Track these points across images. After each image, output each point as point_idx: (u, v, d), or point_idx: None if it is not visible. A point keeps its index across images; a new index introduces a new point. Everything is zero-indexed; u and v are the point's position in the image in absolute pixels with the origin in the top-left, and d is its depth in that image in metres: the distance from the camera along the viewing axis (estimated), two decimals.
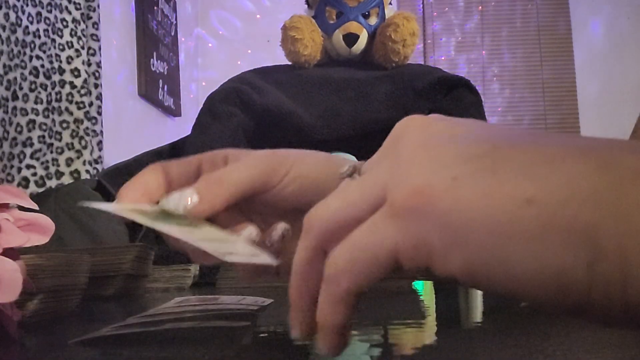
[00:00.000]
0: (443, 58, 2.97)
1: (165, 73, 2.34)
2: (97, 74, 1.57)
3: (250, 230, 0.27)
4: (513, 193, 0.15)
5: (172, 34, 2.48)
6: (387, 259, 0.18)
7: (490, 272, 0.16)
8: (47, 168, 1.35)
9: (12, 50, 1.27)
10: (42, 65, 1.36)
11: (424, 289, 0.59)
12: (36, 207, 0.36)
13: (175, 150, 1.10)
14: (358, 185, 0.20)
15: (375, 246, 0.18)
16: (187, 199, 0.26)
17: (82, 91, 1.46)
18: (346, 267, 0.18)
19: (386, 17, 1.15)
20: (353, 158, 1.11)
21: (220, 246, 0.24)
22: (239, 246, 0.26)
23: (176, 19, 2.54)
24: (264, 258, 0.25)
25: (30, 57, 1.33)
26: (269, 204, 0.29)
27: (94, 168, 1.48)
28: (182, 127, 2.51)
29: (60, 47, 1.43)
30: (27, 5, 1.32)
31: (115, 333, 0.28)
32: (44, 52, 1.37)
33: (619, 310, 0.14)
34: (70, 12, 1.47)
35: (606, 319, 0.15)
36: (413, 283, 0.60)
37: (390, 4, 1.19)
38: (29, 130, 1.30)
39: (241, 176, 0.27)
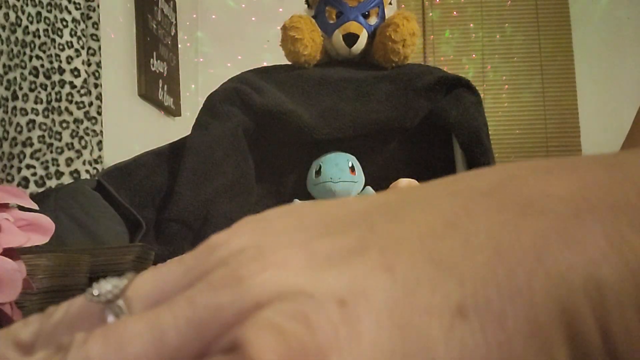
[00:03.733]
0: (442, 58, 2.98)
1: (165, 73, 2.34)
2: (97, 74, 1.57)
3: None
4: (436, 307, 0.11)
5: (172, 34, 2.47)
6: None
7: None
8: (47, 168, 1.35)
9: (12, 50, 1.27)
10: (42, 65, 1.36)
11: None
12: (36, 207, 0.36)
13: (175, 151, 1.10)
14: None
15: None
16: None
17: (82, 91, 1.46)
18: None
19: (386, 17, 1.15)
20: (353, 158, 1.11)
21: None
22: None
23: (176, 19, 2.54)
24: None
25: (30, 57, 1.33)
26: None
27: (94, 168, 1.48)
28: (182, 127, 2.51)
29: (60, 47, 1.43)
30: (27, 5, 1.32)
31: None
32: (44, 52, 1.37)
33: None
34: (70, 12, 1.47)
35: None
36: None
37: (390, 3, 1.19)
38: (29, 130, 1.30)
39: None
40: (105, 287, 0.14)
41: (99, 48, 1.59)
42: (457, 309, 0.11)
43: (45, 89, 1.36)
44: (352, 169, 1.06)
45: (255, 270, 0.12)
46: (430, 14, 2.98)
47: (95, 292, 0.14)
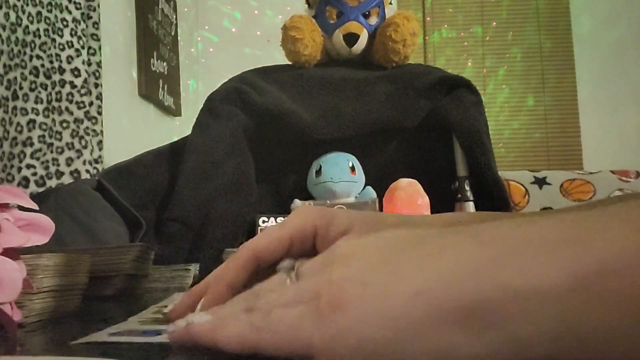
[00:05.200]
0: (442, 58, 2.97)
1: (165, 73, 2.34)
2: (97, 74, 1.57)
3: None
4: (405, 288, 0.18)
5: (172, 34, 2.47)
6: (302, 349, 0.20)
7: None
8: (47, 168, 1.35)
9: (12, 49, 1.27)
10: (42, 65, 1.36)
11: None
12: (36, 207, 0.36)
13: (175, 151, 1.10)
14: (295, 287, 0.23)
15: (294, 336, 0.20)
16: None
17: (82, 91, 1.46)
18: (260, 340, 0.21)
19: (386, 16, 1.15)
20: (353, 158, 1.11)
21: None
22: None
23: (176, 19, 2.54)
24: None
25: (31, 57, 1.33)
26: None
27: (94, 168, 1.48)
28: (182, 127, 2.51)
29: (61, 46, 1.43)
30: (27, 4, 1.32)
31: (119, 341, 0.28)
32: (44, 51, 1.37)
33: None
34: (70, 12, 1.47)
35: None
36: None
37: (391, 3, 1.19)
38: (29, 130, 1.30)
39: None
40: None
41: (99, 48, 1.59)
42: (416, 292, 0.18)
43: (46, 89, 1.36)
44: (353, 168, 1.06)
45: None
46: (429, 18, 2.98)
47: (281, 265, 0.28)
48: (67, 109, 1.44)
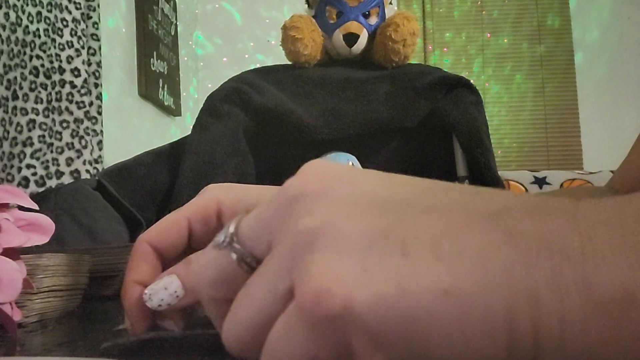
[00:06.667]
0: (441, 56, 2.98)
1: (165, 73, 2.34)
2: (97, 74, 1.57)
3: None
4: (429, 284, 0.14)
5: (172, 34, 2.47)
6: None
7: None
8: (47, 168, 1.35)
9: (12, 49, 1.27)
10: (42, 65, 1.36)
11: None
12: (36, 207, 0.36)
13: (175, 150, 1.10)
14: (261, 282, 0.17)
15: (296, 358, 0.16)
16: (173, 295, 0.25)
17: (82, 91, 1.46)
18: None
19: (386, 16, 1.15)
20: (354, 158, 1.11)
21: None
22: None
23: (176, 19, 2.54)
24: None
25: (31, 57, 1.33)
26: None
27: (94, 168, 1.48)
28: (182, 127, 2.51)
29: (61, 46, 1.43)
30: (27, 4, 1.32)
31: (148, 338, 0.27)
32: (44, 51, 1.37)
33: None
34: (70, 12, 1.47)
35: None
36: None
37: (391, 3, 1.19)
38: (29, 130, 1.30)
39: None
40: (220, 236, 0.19)
41: (99, 48, 1.59)
42: (444, 290, 0.14)
43: (46, 89, 1.36)
44: None
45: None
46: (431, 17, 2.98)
47: (216, 239, 0.19)
48: (67, 109, 1.44)
